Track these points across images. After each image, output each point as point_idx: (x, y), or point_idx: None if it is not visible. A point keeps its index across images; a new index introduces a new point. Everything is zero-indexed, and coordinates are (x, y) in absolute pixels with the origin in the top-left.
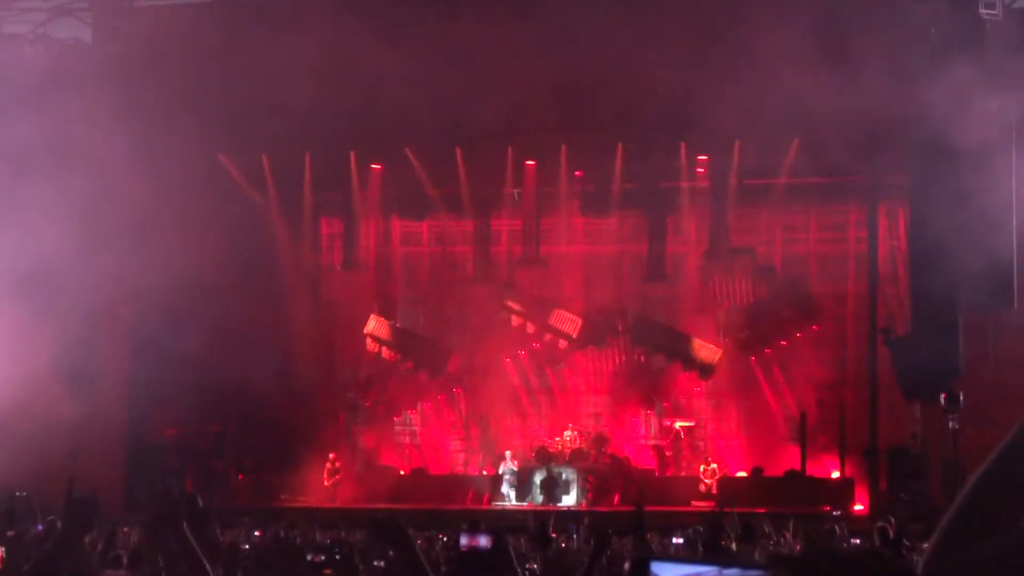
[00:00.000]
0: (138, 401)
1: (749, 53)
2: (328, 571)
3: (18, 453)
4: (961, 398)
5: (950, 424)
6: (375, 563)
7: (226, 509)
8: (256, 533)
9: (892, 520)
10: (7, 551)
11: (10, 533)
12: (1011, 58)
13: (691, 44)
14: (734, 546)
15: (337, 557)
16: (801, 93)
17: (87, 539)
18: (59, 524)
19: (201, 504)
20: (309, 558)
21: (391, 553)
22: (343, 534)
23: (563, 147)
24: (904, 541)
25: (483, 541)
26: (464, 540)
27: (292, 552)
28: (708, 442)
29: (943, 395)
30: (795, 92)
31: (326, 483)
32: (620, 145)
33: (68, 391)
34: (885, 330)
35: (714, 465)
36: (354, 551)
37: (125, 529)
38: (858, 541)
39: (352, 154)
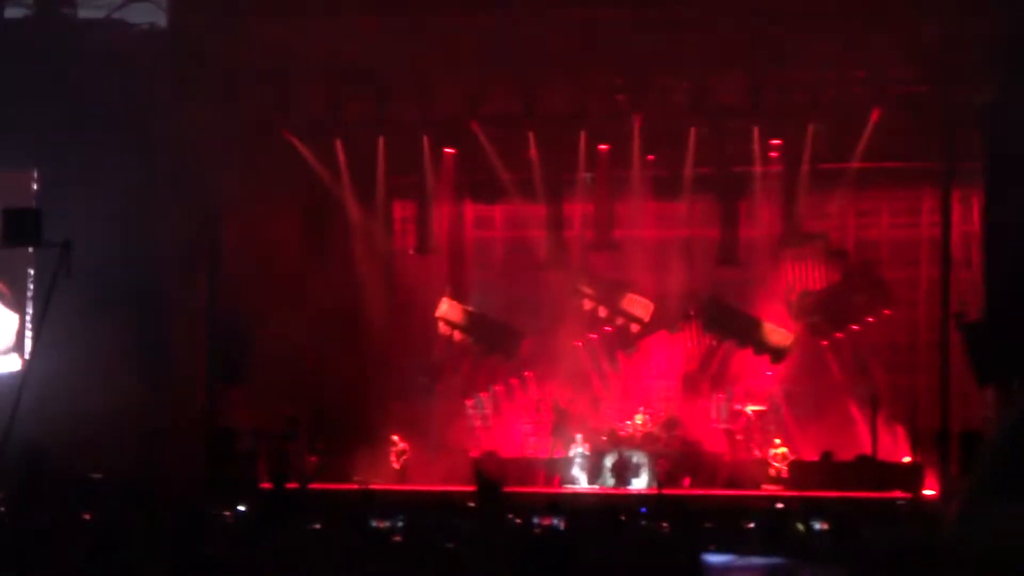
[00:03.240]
0: (215, 385)
1: (822, 38)
2: (397, 537)
3: (92, 437)
4: None
5: None
6: (447, 544)
7: (300, 491)
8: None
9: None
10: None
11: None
12: None
13: (763, 28)
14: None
15: (400, 524)
16: (876, 77)
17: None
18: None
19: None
20: (374, 524)
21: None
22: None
23: (636, 131)
24: None
25: (556, 521)
26: (537, 520)
27: (356, 518)
28: (779, 426)
29: (1018, 379)
30: (870, 76)
31: (395, 465)
32: (693, 129)
33: (143, 375)
34: (958, 315)
35: (784, 449)
36: (423, 528)
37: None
38: None
39: (425, 138)
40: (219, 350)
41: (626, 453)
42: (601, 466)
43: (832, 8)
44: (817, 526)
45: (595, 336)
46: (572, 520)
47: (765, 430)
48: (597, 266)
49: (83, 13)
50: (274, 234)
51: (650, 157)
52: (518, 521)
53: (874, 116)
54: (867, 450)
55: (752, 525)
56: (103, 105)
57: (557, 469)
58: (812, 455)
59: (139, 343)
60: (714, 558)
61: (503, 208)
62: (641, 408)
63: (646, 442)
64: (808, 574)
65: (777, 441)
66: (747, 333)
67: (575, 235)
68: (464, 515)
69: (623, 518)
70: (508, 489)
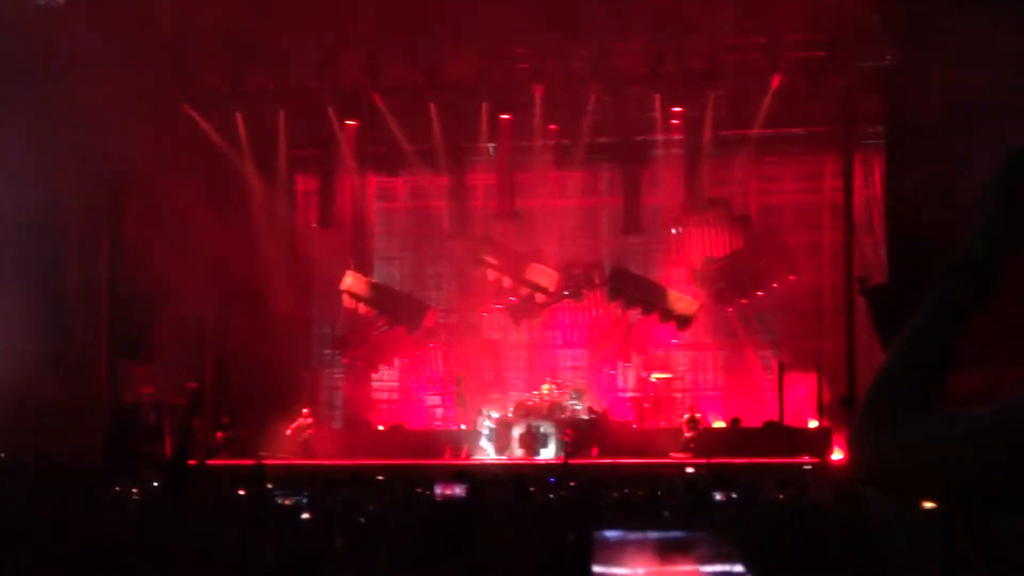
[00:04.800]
0: (116, 360)
1: (722, 3)
2: (307, 515)
3: None
4: None
5: None
6: (359, 519)
7: (205, 466)
8: (240, 492)
9: None
10: None
11: None
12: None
13: None
14: (719, 497)
15: (304, 500)
16: (775, 42)
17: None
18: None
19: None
20: (280, 501)
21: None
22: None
23: (537, 100)
24: None
25: (458, 490)
26: (439, 489)
27: (260, 494)
28: (686, 394)
29: None
30: (769, 42)
31: (298, 438)
32: (594, 97)
33: (43, 349)
34: (862, 279)
35: (698, 415)
36: (330, 502)
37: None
38: None
39: (328, 110)
40: (121, 323)
41: (533, 424)
42: (509, 437)
43: None
44: (718, 496)
45: (500, 307)
46: (475, 489)
47: (672, 398)
48: (501, 236)
49: None
50: (176, 207)
51: (552, 126)
52: (418, 490)
53: (775, 82)
54: (774, 416)
55: (659, 493)
56: (0, 75)
57: (464, 441)
58: (720, 422)
59: (38, 316)
60: (607, 533)
61: (405, 179)
62: (548, 378)
63: (553, 412)
64: (703, 546)
65: (693, 409)
66: (652, 301)
67: (478, 205)
68: (371, 488)
69: (531, 488)
70: (416, 462)
